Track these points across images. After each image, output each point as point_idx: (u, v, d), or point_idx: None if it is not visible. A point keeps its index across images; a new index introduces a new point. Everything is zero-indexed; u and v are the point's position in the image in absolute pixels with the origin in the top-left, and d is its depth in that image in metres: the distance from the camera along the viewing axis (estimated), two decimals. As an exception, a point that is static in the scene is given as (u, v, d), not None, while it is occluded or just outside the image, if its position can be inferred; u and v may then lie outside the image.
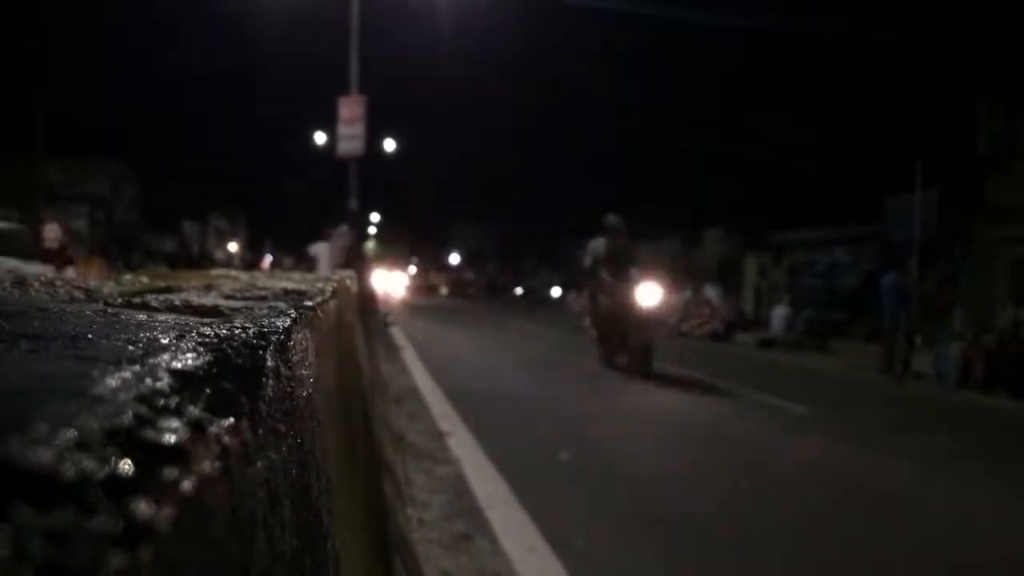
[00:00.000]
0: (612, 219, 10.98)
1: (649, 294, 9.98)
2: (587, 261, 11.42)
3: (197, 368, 0.41)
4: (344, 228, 15.91)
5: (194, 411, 0.35)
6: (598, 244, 11.19)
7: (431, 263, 64.10)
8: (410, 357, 10.97)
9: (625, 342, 10.13)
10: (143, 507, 0.26)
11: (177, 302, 0.87)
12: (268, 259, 42.26)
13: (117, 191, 36.02)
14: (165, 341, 0.51)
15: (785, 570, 3.63)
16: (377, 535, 1.91)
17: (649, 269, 10.37)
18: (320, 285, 1.62)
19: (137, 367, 0.39)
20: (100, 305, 0.84)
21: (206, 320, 0.71)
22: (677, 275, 19.06)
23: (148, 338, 0.52)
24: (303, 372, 0.65)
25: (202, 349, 0.47)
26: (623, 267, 10.46)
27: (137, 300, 0.90)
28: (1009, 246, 16.22)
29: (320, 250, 15.38)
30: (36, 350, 0.46)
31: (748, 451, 6.12)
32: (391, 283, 30.59)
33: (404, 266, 46.85)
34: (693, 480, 5.19)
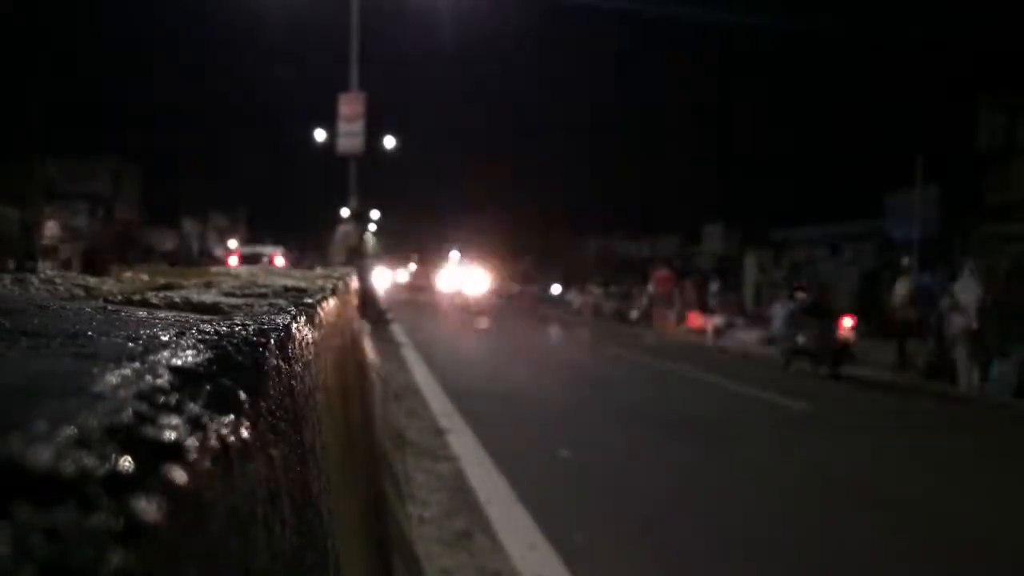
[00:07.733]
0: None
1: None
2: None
3: (197, 365, 0.41)
4: (344, 226, 15.92)
5: (194, 408, 0.35)
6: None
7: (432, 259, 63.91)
8: (409, 354, 10.97)
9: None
10: (143, 504, 0.26)
11: (177, 299, 0.87)
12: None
13: (117, 188, 35.96)
14: (165, 338, 0.51)
15: (783, 567, 3.64)
16: (377, 533, 1.91)
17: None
18: (320, 282, 1.62)
19: (137, 364, 0.39)
20: (100, 302, 0.84)
21: (206, 317, 0.71)
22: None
23: (148, 335, 0.52)
24: (303, 369, 0.65)
25: (202, 346, 0.47)
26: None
27: (137, 297, 0.90)
28: (1010, 243, 16.18)
29: (337, 238, 15.81)
30: (36, 347, 0.46)
31: (750, 448, 6.12)
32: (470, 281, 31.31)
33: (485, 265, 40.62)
34: (693, 477, 5.19)
